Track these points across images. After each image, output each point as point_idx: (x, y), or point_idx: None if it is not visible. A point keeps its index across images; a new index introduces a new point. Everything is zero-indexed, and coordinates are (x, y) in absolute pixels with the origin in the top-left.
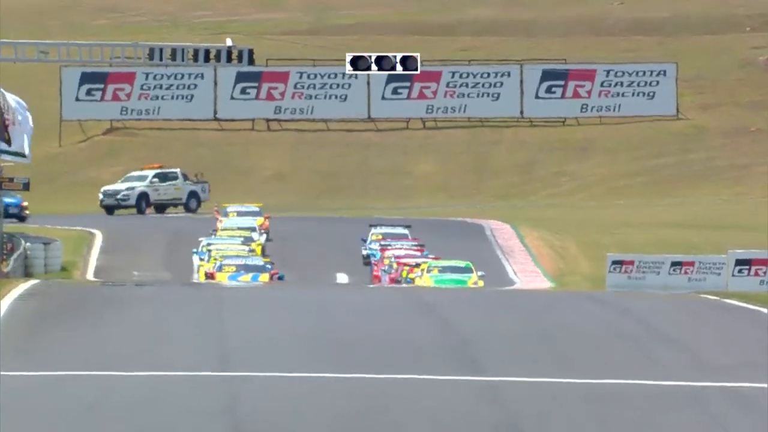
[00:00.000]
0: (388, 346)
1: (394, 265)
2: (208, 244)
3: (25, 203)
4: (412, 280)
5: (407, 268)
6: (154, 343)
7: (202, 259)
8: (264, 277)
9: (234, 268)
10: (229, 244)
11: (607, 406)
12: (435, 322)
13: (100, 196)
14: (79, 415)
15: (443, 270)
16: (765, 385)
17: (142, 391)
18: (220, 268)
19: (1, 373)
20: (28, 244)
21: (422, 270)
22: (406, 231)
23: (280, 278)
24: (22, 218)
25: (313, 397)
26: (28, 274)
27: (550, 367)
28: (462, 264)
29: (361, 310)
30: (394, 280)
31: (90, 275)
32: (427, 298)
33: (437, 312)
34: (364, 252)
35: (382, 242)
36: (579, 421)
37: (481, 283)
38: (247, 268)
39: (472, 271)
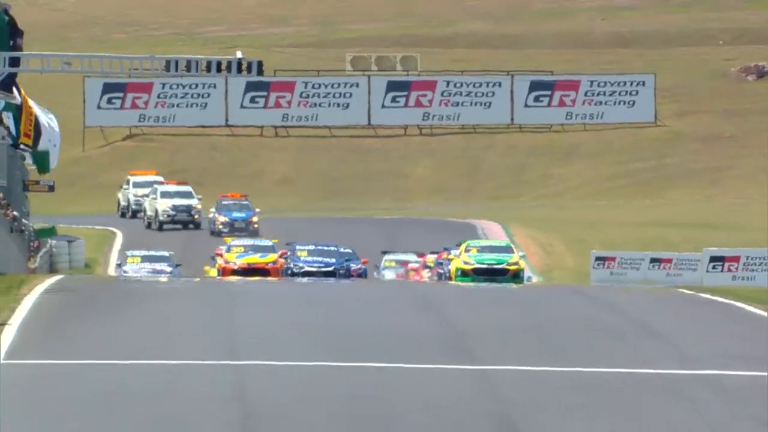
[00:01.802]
0: (388, 337)
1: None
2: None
3: (255, 218)
4: (450, 261)
5: (435, 257)
6: (168, 335)
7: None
8: (272, 257)
9: (242, 248)
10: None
11: (593, 393)
12: (432, 315)
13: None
14: (99, 401)
15: (482, 250)
16: (738, 373)
17: (157, 379)
18: (228, 249)
19: (29, 361)
20: (53, 241)
21: (461, 250)
22: (418, 259)
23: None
24: (253, 233)
25: (317, 385)
26: (53, 270)
27: (540, 357)
28: (502, 243)
29: (363, 304)
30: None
31: (111, 271)
32: (425, 293)
33: (434, 306)
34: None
35: (395, 268)
36: (567, 407)
37: (522, 264)
38: (255, 249)
39: (512, 251)
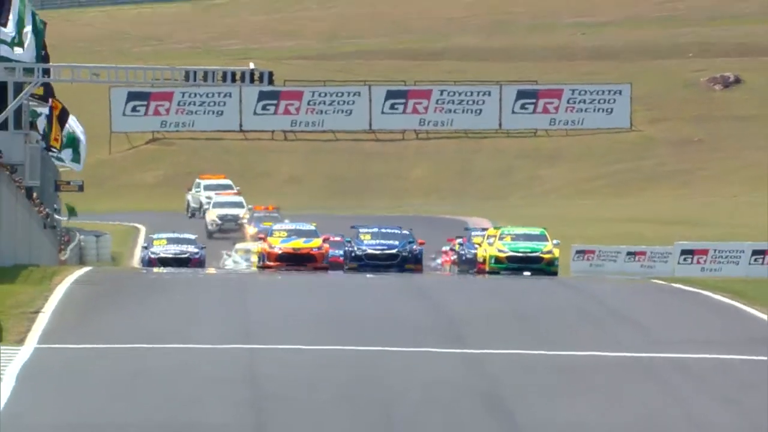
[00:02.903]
0: (387, 323)
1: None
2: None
3: None
4: (478, 245)
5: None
6: (186, 321)
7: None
8: (317, 242)
9: (285, 233)
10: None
11: (573, 374)
12: (426, 303)
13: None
14: (123, 381)
15: (516, 237)
16: (706, 356)
17: (175, 362)
18: (271, 233)
19: (61, 345)
20: (82, 236)
21: (495, 237)
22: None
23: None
24: None
25: (322, 367)
26: (82, 262)
27: (525, 342)
28: (537, 231)
29: (364, 294)
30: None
31: (135, 263)
32: (420, 284)
33: (428, 295)
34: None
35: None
36: (550, 386)
37: (556, 252)
38: (299, 233)
39: (546, 239)
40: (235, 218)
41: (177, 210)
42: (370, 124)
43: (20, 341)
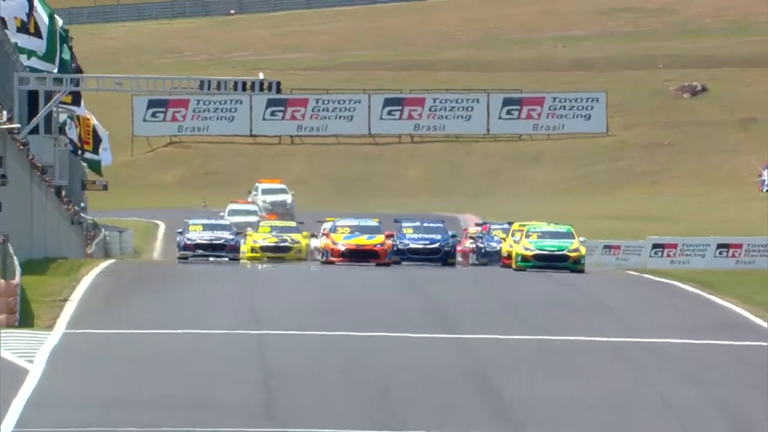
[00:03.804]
0: (383, 311)
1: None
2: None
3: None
4: (502, 240)
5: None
6: (201, 309)
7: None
8: (379, 238)
9: (348, 229)
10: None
11: (554, 356)
12: (419, 293)
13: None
14: (143, 363)
15: (543, 235)
16: (674, 341)
17: (191, 345)
18: (334, 229)
19: (87, 330)
20: (106, 232)
21: (521, 234)
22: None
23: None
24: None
25: (325, 350)
26: (106, 255)
27: (510, 327)
28: (563, 229)
29: (363, 285)
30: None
31: (155, 256)
32: (414, 276)
33: (421, 286)
34: None
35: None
36: (533, 367)
37: (583, 250)
38: (362, 229)
39: (573, 237)
40: (284, 203)
41: (193, 207)
42: (370, 129)
43: (50, 327)
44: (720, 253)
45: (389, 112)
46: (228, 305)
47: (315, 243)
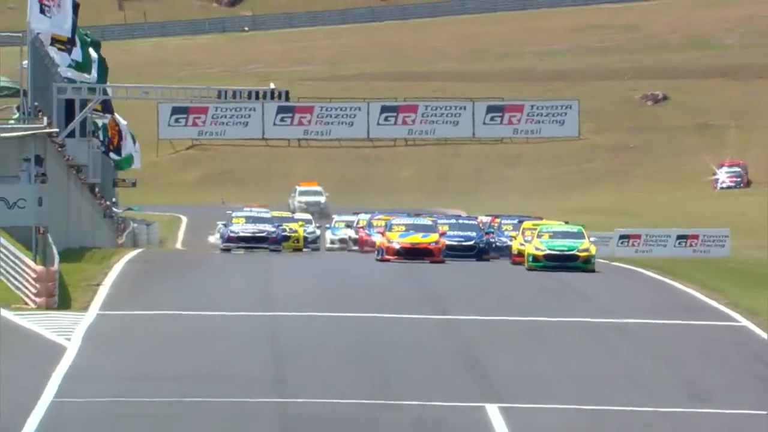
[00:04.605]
0: (382, 296)
1: None
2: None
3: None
4: (513, 238)
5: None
6: (219, 293)
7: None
8: (433, 237)
9: (403, 227)
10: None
11: (533, 335)
12: (414, 281)
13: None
14: (167, 341)
15: (554, 235)
16: (641, 321)
17: (210, 325)
18: (389, 228)
19: (117, 312)
20: (135, 224)
21: (533, 235)
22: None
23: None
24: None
25: (330, 329)
26: (135, 245)
27: (494, 310)
28: (574, 229)
29: (364, 273)
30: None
31: (178, 246)
32: (409, 266)
33: (415, 275)
34: None
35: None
36: (514, 345)
37: (593, 249)
38: (417, 228)
39: (584, 237)
40: (317, 204)
41: (211, 203)
42: (368, 134)
43: (85, 308)
44: (679, 243)
45: (386, 118)
46: (243, 289)
47: (330, 235)
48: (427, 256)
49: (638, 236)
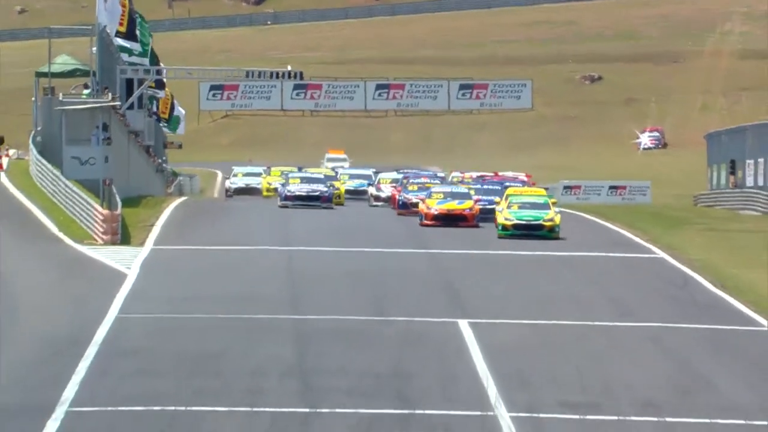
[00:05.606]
0: (377, 233)
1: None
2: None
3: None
4: (497, 203)
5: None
6: (247, 231)
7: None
8: (468, 203)
9: (442, 195)
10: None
11: (498, 264)
12: (405, 224)
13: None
14: (209, 269)
15: (522, 206)
16: (580, 254)
17: (240, 258)
18: (430, 195)
19: (167, 247)
20: (181, 177)
21: (503, 206)
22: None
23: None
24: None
25: (336, 260)
26: (181, 194)
27: (466, 245)
28: (540, 200)
29: (366, 216)
30: None
31: (215, 194)
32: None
33: (407, 221)
34: None
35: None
36: (485, 274)
37: (557, 219)
38: (454, 195)
39: (549, 208)
40: (343, 168)
41: (240, 161)
42: (366, 106)
43: (142, 244)
44: (611, 192)
45: (379, 94)
46: (266, 229)
47: (374, 192)
48: (462, 222)
49: (579, 187)
